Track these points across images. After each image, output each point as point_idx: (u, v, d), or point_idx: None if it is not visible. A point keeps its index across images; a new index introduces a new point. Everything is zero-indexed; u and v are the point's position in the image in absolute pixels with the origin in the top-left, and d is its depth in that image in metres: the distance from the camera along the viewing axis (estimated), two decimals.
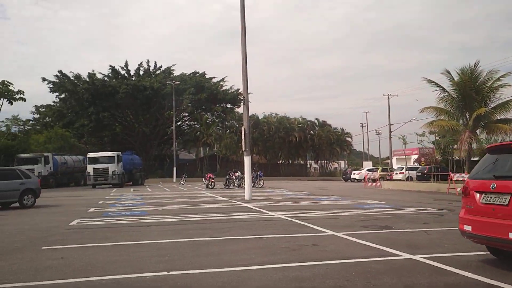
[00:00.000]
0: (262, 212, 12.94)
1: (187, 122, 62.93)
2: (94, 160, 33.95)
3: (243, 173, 32.70)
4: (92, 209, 14.33)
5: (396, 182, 30.05)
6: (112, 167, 33.47)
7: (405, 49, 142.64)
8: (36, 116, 56.44)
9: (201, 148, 64.94)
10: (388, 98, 54.72)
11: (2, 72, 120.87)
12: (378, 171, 43.21)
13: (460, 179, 23.37)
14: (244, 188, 29.43)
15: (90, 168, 33.72)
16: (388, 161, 79.26)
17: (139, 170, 40.19)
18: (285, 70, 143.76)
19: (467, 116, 27.23)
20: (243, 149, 18.47)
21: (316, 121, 64.51)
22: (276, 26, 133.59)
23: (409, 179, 38.32)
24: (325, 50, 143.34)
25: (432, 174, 29.37)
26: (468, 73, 26.51)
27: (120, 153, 35.87)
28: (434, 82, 27.17)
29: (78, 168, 38.88)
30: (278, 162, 65.67)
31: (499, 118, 27.29)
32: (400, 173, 39.66)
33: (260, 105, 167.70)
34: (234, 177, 31.27)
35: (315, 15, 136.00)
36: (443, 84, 27.48)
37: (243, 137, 18.45)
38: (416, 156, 58.08)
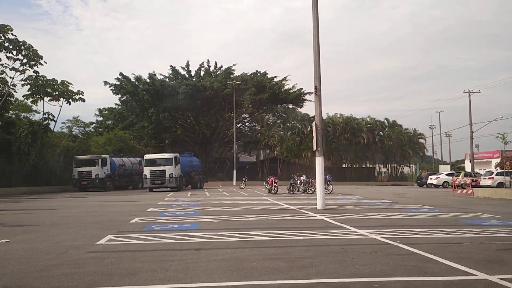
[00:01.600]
0: (347, 228, 9.81)
1: (247, 123, 60.78)
2: (151, 162, 32.30)
3: (309, 177, 29.78)
4: (135, 219, 11.90)
5: (493, 190, 25.47)
6: (169, 170, 31.62)
7: (473, 47, 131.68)
8: (99, 119, 56.86)
9: (262, 150, 62.43)
10: (469, 94, 49.09)
11: (76, 80, 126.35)
12: (461, 176, 38.15)
13: None
14: (311, 194, 26.56)
15: (146, 170, 32.08)
16: (463, 165, 72.64)
17: (198, 172, 38.22)
18: (346, 72, 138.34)
19: None
20: (315, 148, 15.37)
21: (385, 121, 59.61)
22: (337, 27, 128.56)
23: (500, 185, 33.32)
24: (387, 50, 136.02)
25: None
26: None
27: (178, 154, 34.02)
28: None
29: (136, 171, 37.61)
30: (343, 166, 61.58)
31: None
32: (489, 178, 34.65)
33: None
34: (299, 181, 28.30)
35: (377, 14, 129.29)
36: None
37: (314, 134, 15.37)
38: (497, 160, 51.87)
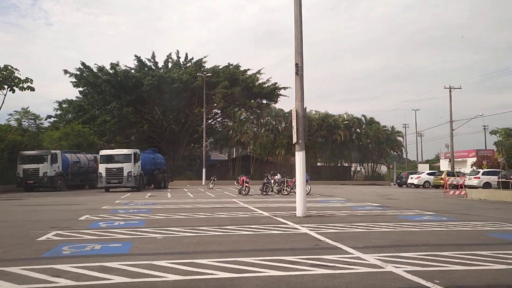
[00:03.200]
0: (345, 251, 6.79)
1: (219, 119, 57.44)
2: (107, 159, 28.62)
3: (284, 176, 26.79)
4: (49, 235, 8.55)
5: (490, 191, 22.90)
6: (127, 167, 28.04)
7: (448, 49, 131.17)
8: (59, 112, 52.26)
9: (234, 148, 59.18)
10: (450, 90, 47.04)
11: (46, 76, 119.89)
12: (443, 175, 36.00)
13: None
14: (286, 195, 23.50)
15: (102, 168, 28.33)
16: (437, 164, 71.32)
17: (162, 171, 34.65)
18: (321, 72, 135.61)
19: None
20: (295, 140, 12.34)
21: (363, 118, 57.20)
22: (313, 27, 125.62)
23: (486, 185, 31.27)
24: (363, 51, 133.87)
25: None
26: None
27: (138, 150, 30.40)
28: None
29: (93, 168, 33.65)
30: (318, 164, 59.05)
31: None
32: (475, 178, 32.56)
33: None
34: (272, 180, 25.36)
35: (353, 15, 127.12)
36: None
37: (295, 124, 12.31)
38: (473, 159, 50.39)
